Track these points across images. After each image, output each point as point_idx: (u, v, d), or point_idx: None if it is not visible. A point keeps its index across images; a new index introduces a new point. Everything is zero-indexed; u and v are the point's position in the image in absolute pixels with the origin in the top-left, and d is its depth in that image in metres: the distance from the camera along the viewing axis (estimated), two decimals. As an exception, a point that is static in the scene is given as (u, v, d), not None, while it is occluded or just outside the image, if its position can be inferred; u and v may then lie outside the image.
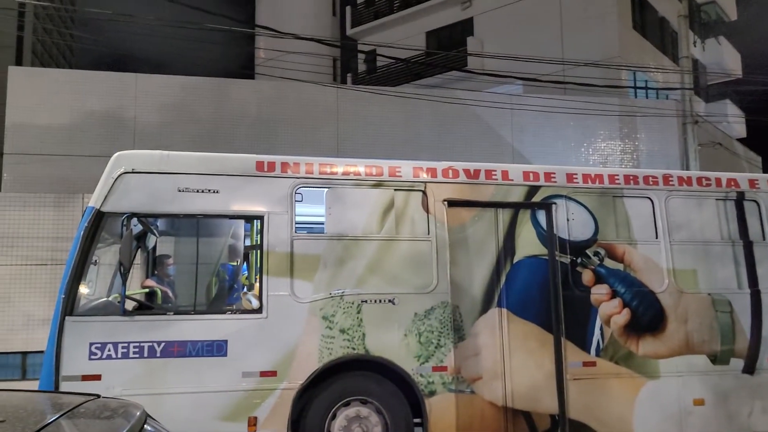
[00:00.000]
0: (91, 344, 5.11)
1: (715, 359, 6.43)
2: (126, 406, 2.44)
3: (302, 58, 16.56)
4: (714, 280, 6.60)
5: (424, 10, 22.29)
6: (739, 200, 6.88)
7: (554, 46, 19.38)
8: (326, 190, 5.95)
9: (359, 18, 23.80)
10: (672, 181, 6.79)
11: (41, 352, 5.31)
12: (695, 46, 17.78)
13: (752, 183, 6.98)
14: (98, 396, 2.70)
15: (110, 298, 5.65)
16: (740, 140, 25.25)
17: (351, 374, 5.69)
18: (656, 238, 6.58)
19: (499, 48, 19.21)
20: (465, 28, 21.74)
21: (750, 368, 6.48)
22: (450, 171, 6.29)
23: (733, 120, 25.15)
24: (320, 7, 24.32)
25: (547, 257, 6.29)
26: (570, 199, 6.47)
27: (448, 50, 21.19)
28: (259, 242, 5.69)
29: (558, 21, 19.94)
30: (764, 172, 22.42)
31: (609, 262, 6.42)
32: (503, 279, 6.17)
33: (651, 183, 6.73)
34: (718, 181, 6.92)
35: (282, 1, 24.11)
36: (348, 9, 24.18)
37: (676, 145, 16.04)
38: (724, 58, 26.33)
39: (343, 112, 15.59)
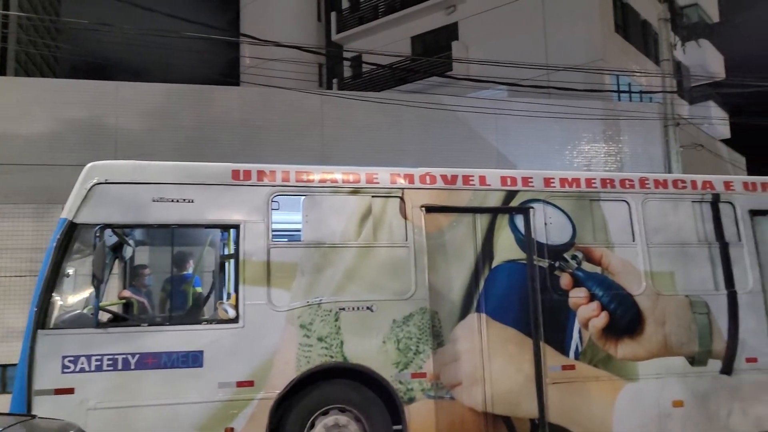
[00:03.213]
0: (63, 357, 5.07)
1: (693, 361, 6.45)
2: (62, 426, 2.40)
3: (287, 64, 16.55)
4: (691, 282, 6.64)
5: (409, 15, 22.32)
6: (715, 202, 6.92)
7: (538, 50, 19.45)
8: (303, 197, 5.94)
9: (344, 23, 23.81)
10: (648, 184, 6.83)
11: (18, 365, 5.25)
12: (676, 48, 17.87)
13: (727, 185, 7.03)
14: (34, 416, 2.66)
15: (84, 311, 5.60)
16: (724, 141, 25.47)
17: (329, 382, 5.67)
18: (633, 240, 6.61)
19: (484, 52, 19.27)
20: (450, 32, 21.80)
21: (728, 369, 6.51)
22: (427, 177, 6.30)
23: (717, 121, 25.32)
24: (305, 12, 24.30)
25: (525, 261, 6.31)
26: (547, 203, 6.49)
27: (433, 55, 21.23)
28: (235, 251, 5.66)
29: (541, 25, 20.03)
30: (748, 172, 22.60)
31: (587, 266, 6.44)
32: (482, 284, 6.18)
33: (627, 186, 6.76)
34: (694, 183, 6.96)
35: (267, 7, 24.08)
36: (333, 14, 24.18)
37: (659, 147, 16.12)
38: (707, 60, 26.52)
39: (327, 117, 15.58)
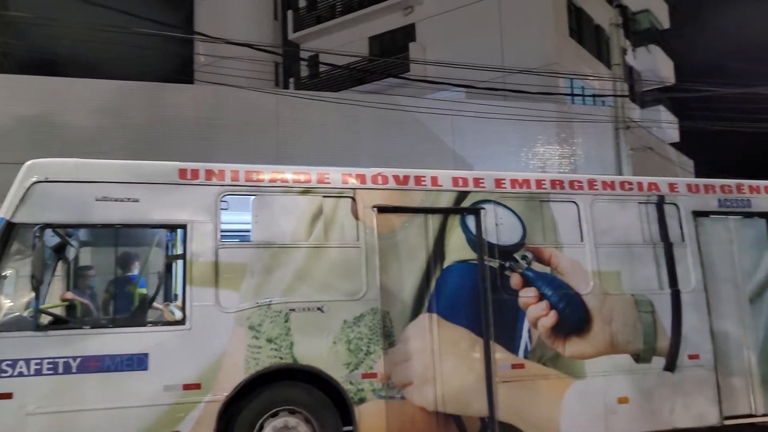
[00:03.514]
0: (1, 361, 4.90)
1: (638, 358, 6.60)
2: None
3: (243, 63, 16.36)
4: (636, 282, 6.79)
5: (366, 16, 22.34)
6: (660, 203, 7.10)
7: (495, 52, 19.70)
8: (253, 197, 5.87)
9: (301, 22, 23.66)
10: (596, 185, 6.96)
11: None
12: (627, 53, 18.35)
13: (672, 187, 7.22)
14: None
15: (24, 313, 5.42)
16: (674, 145, 26.21)
17: (279, 384, 5.61)
18: (581, 241, 6.73)
19: (442, 53, 19.41)
20: (407, 33, 21.90)
21: (671, 366, 6.69)
22: (379, 177, 6.30)
23: (667, 125, 26.02)
24: (261, 10, 24.06)
25: (476, 262, 6.36)
26: (498, 204, 6.56)
27: (390, 55, 21.28)
28: (182, 252, 5.56)
29: (498, 28, 20.29)
30: (696, 175, 23.29)
31: (536, 266, 6.53)
32: (433, 284, 6.21)
33: (576, 188, 6.88)
34: (640, 185, 7.13)
35: (222, 4, 23.76)
36: (290, 13, 24.01)
37: (611, 150, 16.46)
38: (658, 65, 27.25)
39: (283, 117, 15.47)
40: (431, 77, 16.62)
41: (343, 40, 22.12)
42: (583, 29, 21.63)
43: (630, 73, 26.68)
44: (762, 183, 7.53)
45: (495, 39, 20.16)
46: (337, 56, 18.98)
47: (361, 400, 5.73)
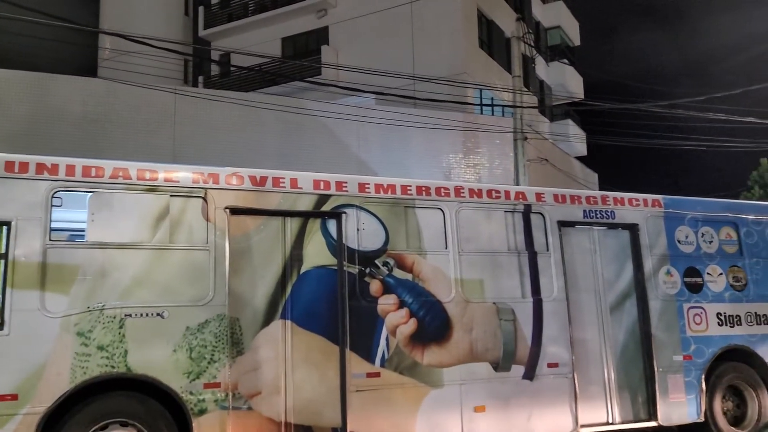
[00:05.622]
0: None
1: (497, 366, 6.59)
2: None
3: (150, 59, 15.70)
4: (499, 290, 6.79)
5: (280, 16, 21.98)
6: (526, 212, 7.15)
7: (406, 60, 19.77)
8: (90, 194, 5.49)
9: (213, 19, 23.02)
10: (463, 193, 6.93)
11: None
12: (534, 65, 18.81)
13: (539, 196, 7.28)
14: None
15: None
16: (581, 158, 27.09)
17: (110, 395, 5.25)
18: (446, 248, 6.67)
19: (354, 58, 19.28)
20: (320, 36, 21.68)
21: (530, 374, 6.71)
22: (234, 177, 6.04)
23: (574, 139, 26.87)
24: (172, 5, 23.28)
25: (335, 267, 6.19)
26: (361, 208, 6.42)
27: (303, 57, 21.01)
28: (5, 252, 5.11)
29: (410, 35, 20.37)
30: (599, 188, 24.12)
31: (398, 272, 6.42)
32: (289, 290, 6.00)
33: (443, 194, 6.83)
34: (507, 193, 7.16)
35: (130, -3, 22.86)
36: (201, 9, 23.33)
37: (512, 161, 16.79)
38: (568, 81, 28.14)
39: (181, 115, 14.94)
40: (341, 82, 16.47)
41: (256, 40, 21.68)
42: (493, 41, 22.04)
43: (541, 87, 27.44)
44: (626, 195, 7.72)
45: (407, 46, 20.24)
46: (249, 56, 18.53)
47: (202, 411, 5.43)
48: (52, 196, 5.33)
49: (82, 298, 5.24)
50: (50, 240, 5.25)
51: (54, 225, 5.33)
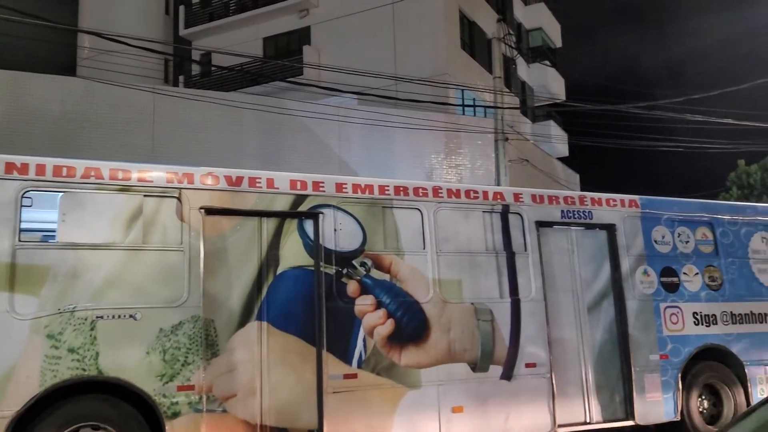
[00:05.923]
0: None
1: (475, 367, 6.58)
2: None
3: (129, 58, 15.53)
4: (477, 290, 6.78)
5: (261, 16, 21.86)
6: (504, 213, 7.15)
7: (388, 60, 19.73)
8: (61, 194, 5.40)
9: (194, 19, 22.85)
10: (441, 193, 6.92)
11: None
12: (516, 67, 18.89)
13: (517, 197, 7.28)
14: None
15: None
16: (562, 159, 27.22)
17: (81, 398, 5.16)
18: (423, 248, 6.65)
19: (336, 58, 19.21)
20: (302, 36, 21.60)
21: (508, 375, 6.71)
22: (209, 177, 5.97)
23: (556, 140, 27.00)
24: (152, 4, 23.06)
25: (312, 268, 6.15)
26: (338, 209, 6.38)
27: (285, 57, 20.91)
28: (-27, 253, 5.02)
29: (392, 36, 20.36)
30: (581, 188, 24.25)
31: (375, 273, 6.39)
32: (265, 291, 5.95)
33: (421, 195, 6.81)
34: (486, 194, 7.15)
35: (110, -5, 22.60)
36: (182, 9, 23.14)
37: (494, 161, 16.83)
38: (549, 82, 28.27)
39: (160, 115, 14.80)
40: (323, 82, 16.40)
41: (238, 39, 21.53)
42: (475, 42, 22.08)
43: (523, 88, 27.55)
44: (603, 195, 7.75)
45: (389, 46, 20.22)
46: (229, 56, 18.40)
47: (175, 414, 5.36)
48: (22, 196, 5.24)
49: (52, 300, 5.16)
50: (20, 241, 5.16)
51: (24, 225, 5.23)
